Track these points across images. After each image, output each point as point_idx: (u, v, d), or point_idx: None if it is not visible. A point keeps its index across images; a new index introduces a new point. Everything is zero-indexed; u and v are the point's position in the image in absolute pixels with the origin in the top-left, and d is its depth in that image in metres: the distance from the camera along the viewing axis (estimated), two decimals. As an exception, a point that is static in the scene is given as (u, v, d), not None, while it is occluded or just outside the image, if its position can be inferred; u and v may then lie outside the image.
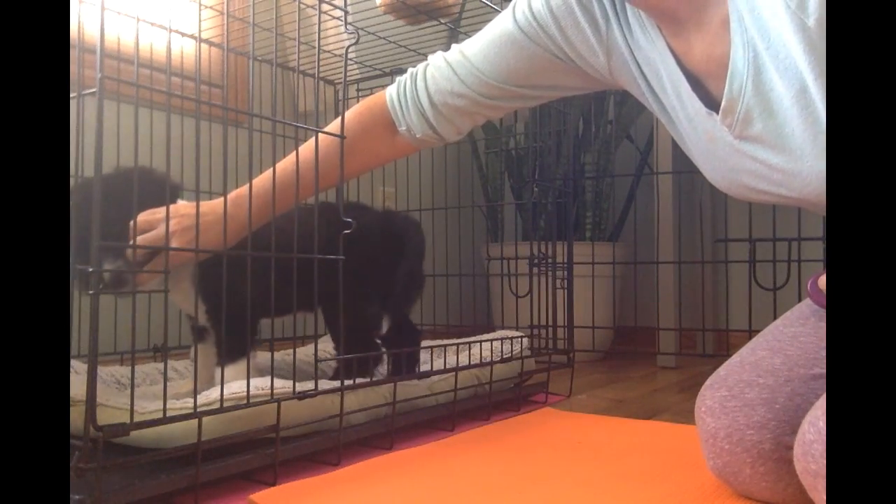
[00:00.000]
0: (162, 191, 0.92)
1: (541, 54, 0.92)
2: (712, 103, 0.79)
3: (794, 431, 0.78)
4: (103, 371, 1.23)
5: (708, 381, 0.91)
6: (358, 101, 1.99)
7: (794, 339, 0.89)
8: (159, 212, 0.93)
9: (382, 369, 1.35)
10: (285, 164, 1.01)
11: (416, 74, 1.01)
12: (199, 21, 0.91)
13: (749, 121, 0.75)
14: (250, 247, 0.95)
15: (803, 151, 0.72)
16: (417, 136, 1.02)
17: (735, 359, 0.92)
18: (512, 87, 0.95)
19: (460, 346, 1.47)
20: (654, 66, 0.84)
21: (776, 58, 0.70)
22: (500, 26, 0.94)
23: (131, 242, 0.91)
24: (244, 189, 0.97)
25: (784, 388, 0.85)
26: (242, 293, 0.96)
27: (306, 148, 1.01)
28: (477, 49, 0.95)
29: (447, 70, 0.97)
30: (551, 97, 1.02)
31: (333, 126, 1.04)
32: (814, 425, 0.72)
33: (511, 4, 0.94)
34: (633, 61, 0.87)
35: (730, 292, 2.12)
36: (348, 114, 1.05)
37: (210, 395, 0.93)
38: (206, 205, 0.95)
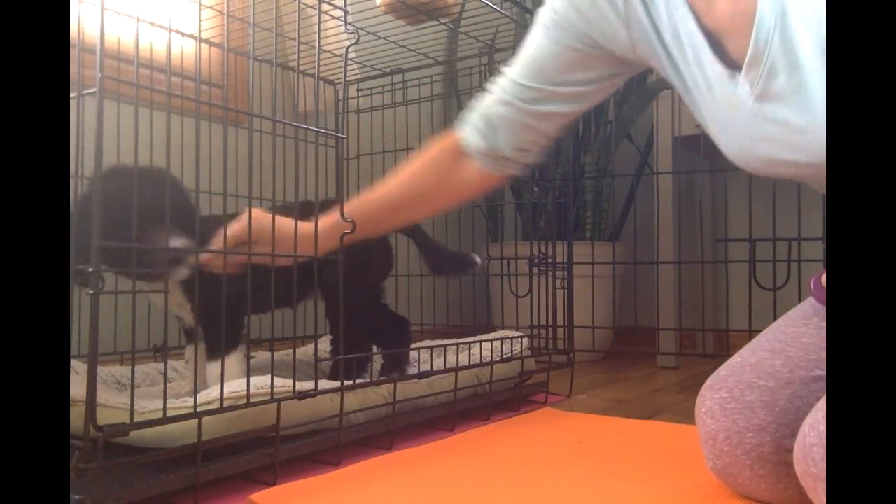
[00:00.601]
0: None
1: (567, 43, 0.95)
2: (733, 65, 0.78)
3: (794, 434, 0.78)
4: (103, 371, 1.23)
5: (708, 382, 0.91)
6: (358, 102, 2.02)
7: (795, 339, 0.89)
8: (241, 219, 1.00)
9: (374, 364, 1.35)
10: (405, 175, 1.06)
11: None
12: (199, 21, 0.91)
13: (773, 74, 0.74)
14: (250, 246, 0.95)
15: (824, 110, 0.70)
16: (472, 146, 1.03)
17: (736, 359, 0.91)
18: (547, 86, 0.97)
19: (460, 346, 1.47)
20: (674, 31, 0.84)
21: (803, 9, 0.70)
22: (532, 40, 0.98)
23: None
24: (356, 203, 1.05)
25: (784, 391, 0.85)
26: (228, 291, 0.96)
27: (419, 167, 1.06)
28: (516, 64, 1.01)
29: (494, 87, 1.02)
30: (590, 94, 1.01)
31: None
32: (814, 428, 0.72)
33: (536, 19, 0.98)
34: (653, 30, 0.87)
35: (730, 292, 2.12)
36: (422, 154, 1.09)
37: (210, 395, 0.93)
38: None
